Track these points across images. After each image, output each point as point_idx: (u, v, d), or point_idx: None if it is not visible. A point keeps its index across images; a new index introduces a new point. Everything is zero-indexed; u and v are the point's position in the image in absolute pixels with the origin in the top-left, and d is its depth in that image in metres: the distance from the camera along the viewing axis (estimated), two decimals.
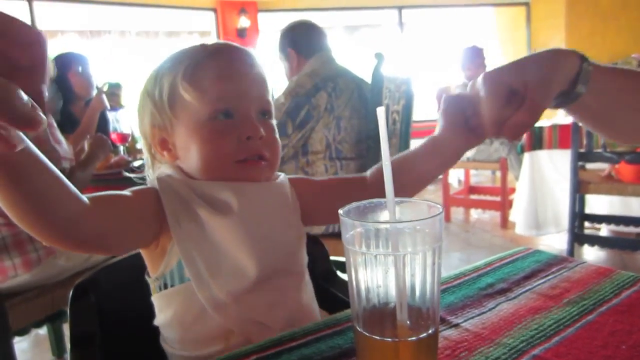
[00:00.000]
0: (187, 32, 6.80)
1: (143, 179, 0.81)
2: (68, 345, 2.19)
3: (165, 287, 0.72)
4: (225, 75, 0.72)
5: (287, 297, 0.74)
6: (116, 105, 2.63)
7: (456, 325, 0.60)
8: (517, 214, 3.32)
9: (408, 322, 0.45)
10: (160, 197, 0.70)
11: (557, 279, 0.72)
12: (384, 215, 0.49)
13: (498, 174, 4.51)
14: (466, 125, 0.71)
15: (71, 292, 0.78)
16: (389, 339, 0.46)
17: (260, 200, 0.74)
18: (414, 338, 0.46)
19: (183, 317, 0.71)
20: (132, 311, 0.84)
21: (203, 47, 0.74)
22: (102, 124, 2.75)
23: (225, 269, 0.69)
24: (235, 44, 0.76)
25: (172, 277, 0.71)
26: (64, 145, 1.70)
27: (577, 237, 2.87)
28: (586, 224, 3.25)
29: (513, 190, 3.86)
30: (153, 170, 0.79)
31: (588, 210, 3.16)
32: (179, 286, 0.71)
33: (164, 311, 0.74)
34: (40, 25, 3.95)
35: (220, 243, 0.70)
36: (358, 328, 0.47)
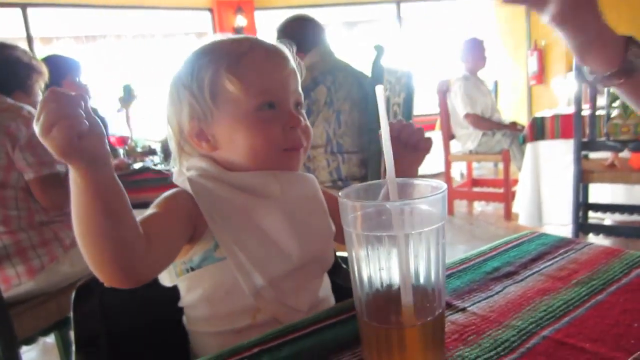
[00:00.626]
0: (183, 33, 6.79)
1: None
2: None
3: (192, 269, 0.74)
4: (268, 68, 0.75)
5: (315, 283, 0.78)
6: (125, 107, 2.59)
7: (463, 310, 0.59)
8: (521, 205, 3.30)
9: (413, 305, 0.44)
10: (195, 199, 0.71)
11: (565, 261, 0.70)
12: (384, 197, 0.48)
13: (500, 165, 4.49)
14: (407, 147, 0.76)
15: (73, 294, 0.77)
16: (395, 326, 0.45)
17: (299, 187, 0.77)
18: (419, 323, 0.45)
19: (212, 295, 0.73)
20: (137, 306, 0.84)
21: (238, 42, 0.76)
22: (105, 126, 2.73)
23: (269, 256, 0.72)
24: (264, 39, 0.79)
25: (202, 259, 0.73)
26: None
27: (582, 227, 2.84)
28: (590, 213, 3.23)
29: (516, 181, 3.84)
30: (180, 163, 0.80)
31: (592, 201, 3.13)
32: (209, 266, 0.72)
33: (192, 291, 0.75)
34: (35, 32, 3.92)
35: (266, 230, 0.72)
36: (362, 317, 0.46)
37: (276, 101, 0.74)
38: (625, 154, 2.72)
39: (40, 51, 5.00)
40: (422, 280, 0.45)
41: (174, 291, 0.87)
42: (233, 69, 0.73)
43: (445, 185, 0.45)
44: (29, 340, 1.81)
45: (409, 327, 0.45)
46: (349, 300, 0.65)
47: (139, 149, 2.46)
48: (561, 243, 0.78)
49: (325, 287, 0.82)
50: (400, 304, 0.44)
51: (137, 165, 2.17)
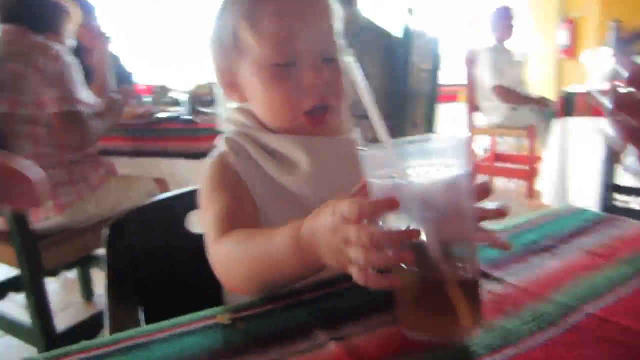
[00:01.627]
0: None
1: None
2: (96, 289, 2.26)
3: None
4: (285, 12, 0.66)
5: None
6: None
7: (500, 280, 0.58)
8: (546, 184, 3.25)
9: (442, 259, 0.44)
10: (235, 162, 0.69)
11: (607, 238, 0.69)
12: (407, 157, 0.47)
13: (523, 141, 4.39)
14: None
15: (107, 231, 0.77)
16: (426, 280, 0.45)
17: (330, 156, 0.70)
18: (451, 278, 0.44)
19: None
20: (166, 252, 0.84)
21: None
22: (125, 75, 2.71)
23: None
24: None
25: None
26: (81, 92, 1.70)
27: (609, 209, 2.79)
28: (616, 196, 3.17)
29: (540, 159, 3.77)
30: (225, 107, 0.78)
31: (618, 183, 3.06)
32: None
33: None
34: None
35: (291, 202, 0.68)
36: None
37: (294, 52, 0.66)
38: None
39: None
40: (450, 234, 0.45)
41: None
42: (250, 14, 0.67)
43: (463, 137, 0.44)
44: (53, 273, 1.89)
45: (438, 282, 0.44)
46: None
47: (164, 99, 2.45)
48: (602, 219, 0.76)
49: None
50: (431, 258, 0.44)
51: (163, 115, 2.17)
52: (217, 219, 0.62)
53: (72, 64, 1.67)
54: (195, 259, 0.87)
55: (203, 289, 0.83)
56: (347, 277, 0.46)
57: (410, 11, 1.78)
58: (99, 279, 2.34)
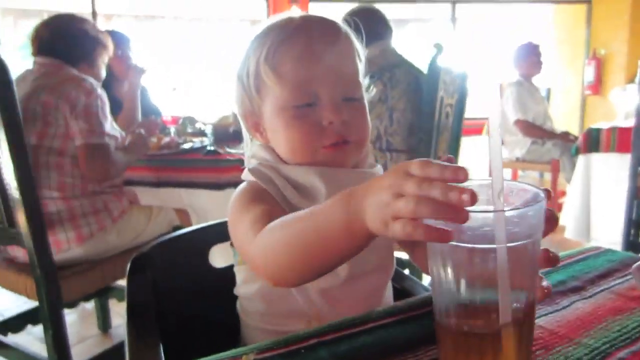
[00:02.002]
0: (238, 19, 6.86)
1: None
2: (114, 320, 2.25)
3: None
4: (305, 57, 0.68)
5: (374, 294, 0.75)
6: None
7: None
8: (568, 218, 3.19)
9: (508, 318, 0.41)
10: (264, 187, 0.68)
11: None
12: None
13: (546, 176, 4.34)
14: None
15: (129, 265, 0.78)
16: (484, 339, 0.42)
17: (348, 187, 0.70)
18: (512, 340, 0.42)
19: (269, 292, 0.71)
20: (188, 286, 0.85)
21: (287, 23, 0.70)
22: (152, 106, 2.77)
23: None
24: (320, 17, 0.72)
25: None
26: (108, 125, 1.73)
27: (632, 245, 2.72)
28: None
29: (563, 193, 3.71)
30: (249, 145, 0.79)
31: None
32: None
33: (250, 284, 0.74)
34: (99, 9, 4.02)
35: None
36: (447, 324, 0.44)
37: (314, 93, 0.68)
38: None
39: (102, 27, 5.13)
40: (514, 294, 0.42)
41: (227, 274, 0.87)
42: (270, 59, 0.68)
43: (542, 193, 0.42)
44: (71, 304, 1.88)
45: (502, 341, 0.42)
46: (409, 300, 0.63)
47: (189, 130, 2.49)
48: (631, 260, 0.74)
49: (388, 296, 0.78)
50: (488, 313, 0.41)
51: (187, 145, 2.21)
52: (253, 223, 0.60)
53: (103, 97, 1.71)
54: (216, 294, 0.87)
55: (222, 324, 0.83)
56: (369, 319, 0.45)
57: (438, 46, 1.80)
58: (117, 310, 2.34)
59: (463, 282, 0.41)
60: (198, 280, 0.86)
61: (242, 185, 0.71)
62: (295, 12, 0.73)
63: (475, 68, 2.16)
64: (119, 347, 1.77)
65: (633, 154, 2.60)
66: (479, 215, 0.40)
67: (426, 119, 1.86)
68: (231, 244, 0.76)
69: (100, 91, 1.70)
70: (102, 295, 2.10)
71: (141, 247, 1.78)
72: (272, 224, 0.55)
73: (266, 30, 0.71)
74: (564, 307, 0.59)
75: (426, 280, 1.80)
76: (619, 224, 2.82)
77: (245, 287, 0.75)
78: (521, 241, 0.40)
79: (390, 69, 1.91)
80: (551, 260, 0.50)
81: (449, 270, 0.42)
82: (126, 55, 2.55)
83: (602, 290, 0.64)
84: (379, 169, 0.77)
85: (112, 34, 2.57)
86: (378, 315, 0.58)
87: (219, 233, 0.90)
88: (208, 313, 0.85)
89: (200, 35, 6.74)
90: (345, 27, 0.73)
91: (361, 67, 0.74)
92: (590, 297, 0.62)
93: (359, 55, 0.73)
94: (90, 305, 2.33)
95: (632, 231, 2.88)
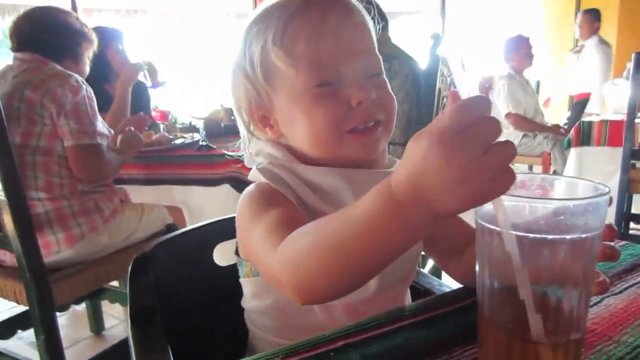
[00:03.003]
0: (224, 13, 6.76)
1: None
2: (107, 322, 2.20)
3: None
4: (321, 32, 0.60)
5: (396, 305, 0.69)
6: (157, 83, 2.56)
7: None
8: None
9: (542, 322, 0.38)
10: (276, 188, 0.61)
11: None
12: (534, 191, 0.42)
13: (535, 169, 4.35)
14: None
15: (130, 267, 0.74)
16: (520, 340, 0.39)
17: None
18: (548, 343, 0.38)
19: (285, 307, 0.65)
20: (191, 286, 0.81)
21: (289, 1, 0.63)
22: (144, 101, 2.71)
23: None
24: None
25: None
26: (99, 123, 1.67)
27: (623, 238, 2.74)
28: (631, 224, 3.13)
29: None
30: (249, 147, 0.72)
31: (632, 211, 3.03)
32: None
33: (261, 297, 0.68)
34: (79, 3, 3.89)
35: None
36: (487, 317, 0.41)
37: (335, 72, 0.61)
38: None
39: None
40: (561, 295, 0.39)
41: (232, 272, 0.84)
42: (278, 40, 0.61)
43: (608, 188, 0.38)
44: (62, 307, 1.83)
45: (535, 345, 0.39)
46: (434, 297, 0.60)
47: (178, 125, 2.44)
48: None
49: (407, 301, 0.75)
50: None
51: (178, 141, 2.15)
52: (269, 231, 0.53)
53: (91, 94, 1.64)
54: (221, 293, 0.83)
55: (227, 324, 0.80)
56: (396, 318, 0.41)
57: (436, 37, 1.78)
58: (110, 312, 2.29)
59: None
60: (202, 279, 0.83)
61: (250, 188, 0.64)
62: None
63: (468, 61, 2.14)
64: (115, 349, 1.71)
65: (624, 147, 2.61)
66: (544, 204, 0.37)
67: (425, 112, 1.83)
68: (236, 253, 0.71)
69: (88, 88, 1.64)
70: (94, 296, 2.05)
71: (134, 247, 1.75)
72: (301, 229, 0.47)
73: (265, 14, 0.64)
74: (595, 304, 0.57)
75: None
76: (611, 217, 2.84)
77: (255, 301, 0.69)
78: (591, 232, 0.37)
79: (389, 60, 1.88)
80: (613, 254, 0.46)
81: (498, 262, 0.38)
82: (124, 51, 2.50)
83: (630, 286, 0.62)
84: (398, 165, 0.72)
85: (107, 29, 2.52)
86: (405, 313, 0.55)
87: (222, 230, 0.86)
88: (212, 313, 0.82)
89: (185, 30, 6.64)
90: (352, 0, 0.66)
91: (375, 45, 0.67)
92: (619, 292, 0.60)
93: (373, 30, 0.68)
94: (81, 307, 2.27)
95: (623, 223, 2.90)
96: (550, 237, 0.37)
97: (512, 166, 0.35)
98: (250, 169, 0.69)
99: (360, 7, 0.66)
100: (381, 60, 0.67)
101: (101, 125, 1.69)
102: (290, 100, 0.63)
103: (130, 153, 1.83)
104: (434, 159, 0.34)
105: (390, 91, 0.67)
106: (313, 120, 0.61)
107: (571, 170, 3.14)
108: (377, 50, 0.67)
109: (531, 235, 0.36)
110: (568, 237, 0.36)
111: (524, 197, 0.37)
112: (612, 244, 0.47)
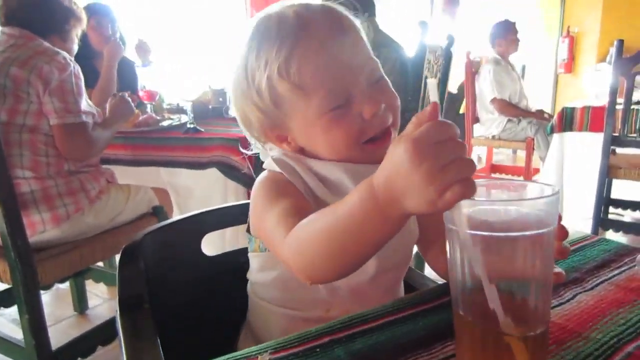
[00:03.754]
0: None
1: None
2: (90, 301, 2.21)
3: None
4: (324, 59, 0.63)
5: (392, 288, 0.76)
6: (147, 62, 2.54)
7: None
8: None
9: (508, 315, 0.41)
10: (289, 178, 0.66)
11: (633, 270, 0.68)
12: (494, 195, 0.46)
13: (519, 153, 4.42)
14: None
15: (119, 255, 0.75)
16: (492, 332, 0.42)
17: None
18: (516, 335, 0.42)
19: (288, 279, 0.70)
20: (181, 275, 0.82)
21: (281, 23, 0.65)
22: (132, 80, 2.68)
23: None
24: (312, 6, 0.66)
25: None
26: (84, 102, 1.66)
27: (602, 222, 2.82)
28: (610, 209, 3.21)
29: (536, 170, 3.79)
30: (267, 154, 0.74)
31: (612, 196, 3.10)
32: None
33: (267, 271, 0.73)
34: None
35: None
36: (464, 316, 0.43)
37: (343, 92, 0.64)
38: None
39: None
40: (521, 288, 0.43)
41: (221, 262, 0.86)
42: (285, 72, 0.63)
43: (557, 188, 0.42)
44: (47, 286, 1.83)
45: (506, 337, 0.42)
46: (418, 293, 0.63)
47: (165, 106, 2.42)
48: (625, 251, 0.75)
49: (401, 290, 0.80)
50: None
51: (166, 123, 2.14)
52: (280, 217, 0.59)
53: (78, 72, 1.63)
54: (211, 282, 0.85)
55: (216, 312, 0.82)
56: (380, 314, 0.44)
57: (423, 24, 1.77)
58: (94, 291, 2.29)
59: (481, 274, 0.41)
60: (191, 268, 0.84)
61: (264, 175, 0.69)
62: (279, 4, 0.68)
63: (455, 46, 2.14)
64: (100, 328, 1.73)
65: (606, 133, 2.66)
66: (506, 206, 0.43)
67: (412, 99, 1.84)
68: (247, 230, 0.75)
69: (75, 66, 1.62)
70: (78, 275, 2.05)
71: (120, 228, 1.75)
72: (304, 220, 0.53)
73: (261, 39, 0.66)
74: (568, 300, 0.60)
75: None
76: (591, 201, 2.90)
77: (261, 274, 0.74)
78: (545, 229, 0.41)
79: (377, 47, 1.88)
80: (563, 252, 0.52)
81: (466, 261, 0.42)
82: (102, 26, 2.45)
83: (602, 282, 0.65)
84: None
85: (91, 6, 2.46)
86: (389, 310, 0.57)
87: (211, 220, 0.88)
88: (202, 302, 0.84)
89: (174, 10, 6.49)
90: (340, 8, 0.69)
91: (370, 50, 0.70)
92: (591, 289, 0.63)
93: (363, 33, 0.70)
94: (65, 285, 2.27)
95: (603, 208, 2.98)
96: (511, 234, 0.41)
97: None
98: (244, 157, 0.73)
99: (348, 14, 0.68)
100: (377, 61, 0.69)
101: (86, 103, 1.67)
102: (306, 124, 0.67)
103: (120, 121, 1.82)
104: (406, 164, 0.39)
105: (392, 89, 0.70)
106: (332, 139, 0.66)
107: (554, 155, 3.19)
108: (372, 53, 0.69)
109: (486, 233, 0.40)
110: (527, 233, 0.41)
111: (484, 200, 0.44)
112: (563, 242, 0.54)
